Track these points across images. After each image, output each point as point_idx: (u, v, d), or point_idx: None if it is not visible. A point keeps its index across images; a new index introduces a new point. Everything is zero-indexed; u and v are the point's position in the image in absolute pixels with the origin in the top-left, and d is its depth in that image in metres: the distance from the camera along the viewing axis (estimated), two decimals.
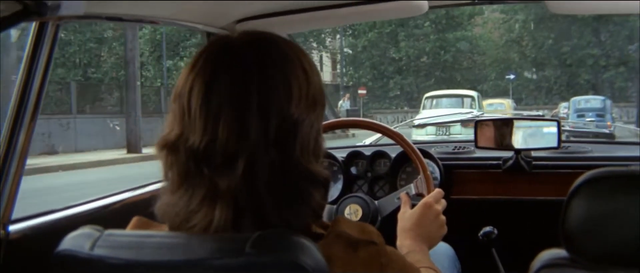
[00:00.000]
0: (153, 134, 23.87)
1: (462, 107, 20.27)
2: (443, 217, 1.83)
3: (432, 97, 22.81)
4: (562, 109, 28.46)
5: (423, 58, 44.08)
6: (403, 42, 42.40)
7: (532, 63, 43.74)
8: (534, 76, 44.73)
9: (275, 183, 1.09)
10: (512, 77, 40.66)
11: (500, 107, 27.69)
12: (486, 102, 29.04)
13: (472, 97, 21.98)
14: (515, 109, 31.08)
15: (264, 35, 1.18)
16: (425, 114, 17.81)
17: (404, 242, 1.73)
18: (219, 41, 1.19)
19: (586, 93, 34.68)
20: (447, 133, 15.25)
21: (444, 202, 1.88)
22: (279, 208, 1.09)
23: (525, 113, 31.97)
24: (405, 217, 1.83)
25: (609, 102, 25.20)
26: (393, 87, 43.52)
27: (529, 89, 44.56)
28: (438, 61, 43.21)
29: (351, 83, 42.51)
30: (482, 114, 7.70)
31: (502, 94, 40.07)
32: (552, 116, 26.62)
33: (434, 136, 16.77)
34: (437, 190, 1.90)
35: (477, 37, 44.25)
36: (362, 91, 36.52)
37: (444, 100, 22.10)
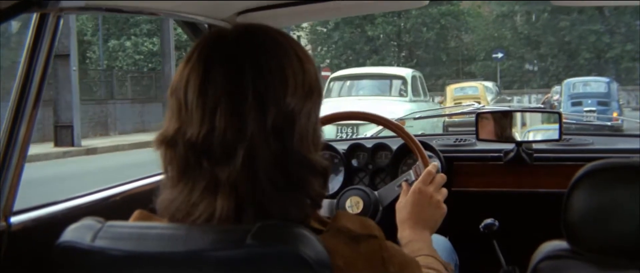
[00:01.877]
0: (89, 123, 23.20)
1: (390, 92, 16.17)
2: (438, 198, 2.00)
3: (344, 78, 17.21)
4: (554, 94, 26.70)
5: (403, 36, 43.28)
6: (380, 17, 41.11)
7: (526, 41, 43.19)
8: (536, 68, 44.04)
9: (275, 172, 1.21)
10: (500, 56, 39.72)
11: (472, 91, 25.44)
12: (455, 86, 27.04)
13: (403, 79, 16.41)
14: (498, 94, 29.60)
15: (258, 27, 1.31)
16: (332, 104, 13.34)
17: (403, 233, 1.91)
18: (212, 34, 1.34)
19: (588, 74, 33.25)
20: (354, 133, 11.47)
21: (438, 180, 2.03)
22: (279, 197, 1.21)
23: (516, 100, 30.68)
24: (401, 207, 2.01)
25: (614, 86, 23.23)
26: None
27: (522, 70, 43.92)
28: (420, 40, 42.46)
29: (324, 64, 41.37)
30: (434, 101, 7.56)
31: (492, 75, 39.44)
32: (544, 102, 26.10)
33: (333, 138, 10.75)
34: (426, 170, 2.06)
35: (465, 13, 43.43)
36: (326, 73, 35.11)
37: (364, 82, 16.82)
